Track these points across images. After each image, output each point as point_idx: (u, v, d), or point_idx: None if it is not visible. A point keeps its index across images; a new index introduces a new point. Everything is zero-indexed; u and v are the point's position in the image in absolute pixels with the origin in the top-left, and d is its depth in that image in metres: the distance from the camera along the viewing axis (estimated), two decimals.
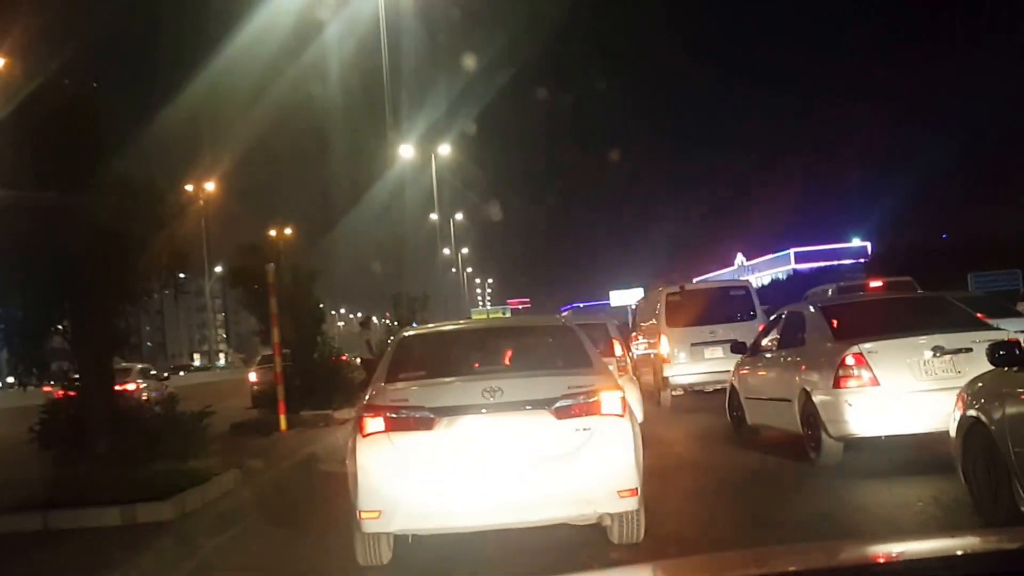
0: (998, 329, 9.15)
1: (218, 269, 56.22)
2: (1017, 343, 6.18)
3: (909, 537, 2.69)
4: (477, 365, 6.67)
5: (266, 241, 22.79)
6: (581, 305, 45.19)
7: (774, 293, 34.14)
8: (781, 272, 51.68)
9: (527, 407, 6.03)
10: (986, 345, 6.36)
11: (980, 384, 6.38)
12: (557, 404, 6.01)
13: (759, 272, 58.43)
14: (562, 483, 5.96)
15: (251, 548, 7.09)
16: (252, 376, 24.68)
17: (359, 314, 40.54)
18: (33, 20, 9.47)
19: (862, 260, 42.22)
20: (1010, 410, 5.80)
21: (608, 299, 56.68)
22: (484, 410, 6.00)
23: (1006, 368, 6.06)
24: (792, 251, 57.92)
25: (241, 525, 7.99)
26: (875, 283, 19.12)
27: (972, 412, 6.19)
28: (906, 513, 7.01)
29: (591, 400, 6.08)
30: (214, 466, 9.55)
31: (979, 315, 10.05)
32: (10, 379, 10.67)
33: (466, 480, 5.95)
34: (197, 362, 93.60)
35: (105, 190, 8.99)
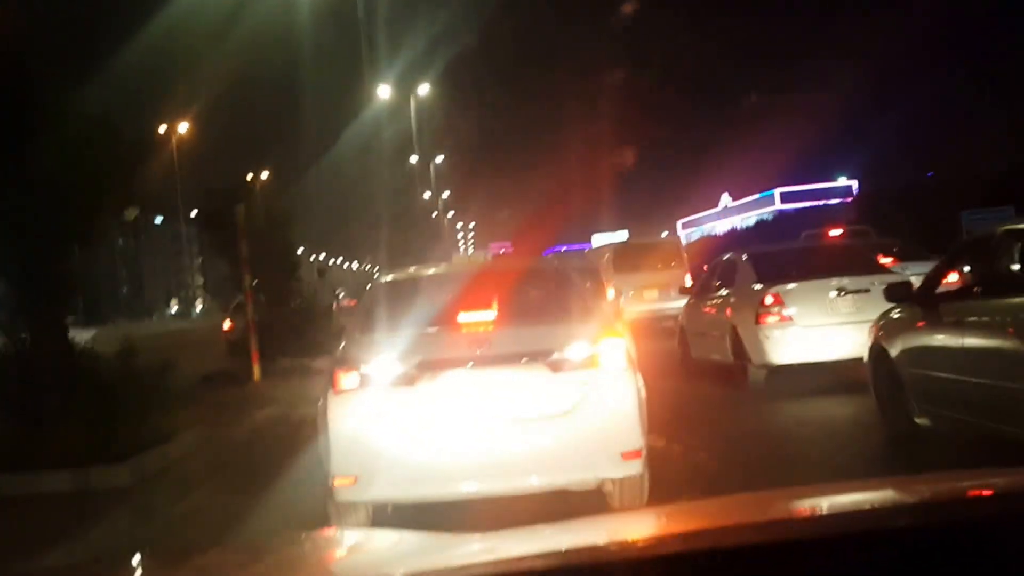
0: (893, 272, 10.96)
1: (193, 213, 55.25)
2: (909, 283, 7.58)
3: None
4: (463, 314, 5.85)
5: (238, 183, 21.92)
6: (564, 248, 43.72)
7: (760, 235, 33.41)
8: (767, 213, 50.80)
9: (520, 360, 5.38)
10: (882, 286, 7.76)
11: (885, 318, 7.55)
12: (553, 356, 5.37)
13: (745, 213, 57.51)
14: (559, 445, 5.32)
15: (214, 517, 6.41)
16: (226, 324, 23.94)
17: (332, 261, 39.81)
18: None
19: (847, 200, 41.33)
20: (904, 338, 7.11)
21: (590, 243, 55.90)
22: (472, 363, 5.36)
23: (901, 304, 7.29)
24: (777, 191, 56.91)
25: (205, 489, 7.34)
26: (834, 231, 20.79)
27: (879, 341, 7.42)
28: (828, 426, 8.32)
29: (592, 351, 5.43)
30: (177, 424, 8.87)
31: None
32: None
33: (452, 442, 5.30)
34: (174, 309, 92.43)
35: (51, 124, 8.21)
